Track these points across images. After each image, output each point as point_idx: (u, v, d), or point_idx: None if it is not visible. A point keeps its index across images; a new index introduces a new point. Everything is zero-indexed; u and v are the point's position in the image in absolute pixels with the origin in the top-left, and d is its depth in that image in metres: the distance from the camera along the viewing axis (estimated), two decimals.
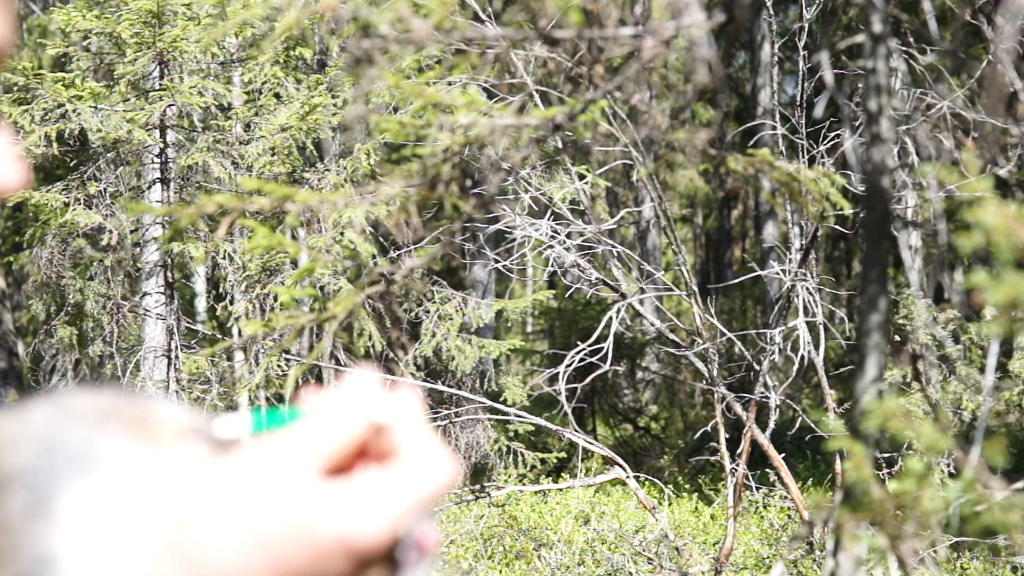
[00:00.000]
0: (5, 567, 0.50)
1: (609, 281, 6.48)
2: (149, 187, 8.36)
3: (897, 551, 1.67)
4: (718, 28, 1.99)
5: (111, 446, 0.54)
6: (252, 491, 0.52)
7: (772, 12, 7.60)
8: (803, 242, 6.47)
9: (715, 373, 6.29)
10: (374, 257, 8.57)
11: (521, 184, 6.50)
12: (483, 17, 5.94)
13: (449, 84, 5.76)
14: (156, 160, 8.31)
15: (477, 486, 7.16)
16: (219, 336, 10.28)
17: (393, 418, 0.56)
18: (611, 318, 6.46)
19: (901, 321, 7.78)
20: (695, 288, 6.34)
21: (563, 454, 10.22)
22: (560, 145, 6.43)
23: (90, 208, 8.05)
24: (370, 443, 0.56)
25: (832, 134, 6.18)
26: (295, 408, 0.57)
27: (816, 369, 6.32)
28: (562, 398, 6.25)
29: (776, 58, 8.54)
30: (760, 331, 6.62)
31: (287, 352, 8.52)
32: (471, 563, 7.48)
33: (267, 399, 9.24)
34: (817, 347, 6.27)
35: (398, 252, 8.04)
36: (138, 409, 0.58)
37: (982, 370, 7.81)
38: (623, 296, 6.43)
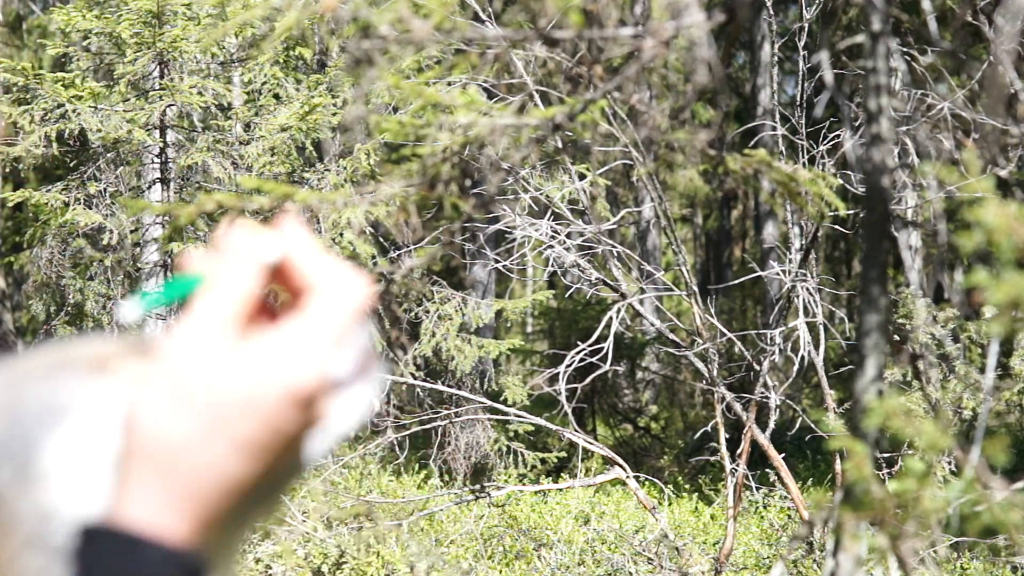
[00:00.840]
0: (11, 536, 0.52)
1: (609, 281, 6.48)
2: (149, 187, 8.36)
3: (897, 551, 1.67)
4: (718, 28, 1.99)
5: (71, 389, 0.56)
6: (186, 372, 0.54)
7: (772, 12, 7.60)
8: (803, 242, 6.47)
9: (715, 373, 6.29)
10: (373, 257, 8.57)
11: (521, 184, 6.49)
12: (483, 17, 5.94)
13: (449, 84, 5.76)
14: (156, 160, 8.31)
15: (477, 486, 7.16)
16: None
17: (285, 253, 0.57)
18: (611, 318, 6.46)
19: (900, 321, 7.78)
20: (695, 288, 6.34)
21: (563, 454, 10.21)
22: (560, 145, 6.43)
23: (90, 208, 8.05)
24: (272, 283, 0.57)
25: (832, 134, 6.18)
26: (186, 277, 0.59)
27: (816, 369, 6.32)
28: (562, 398, 6.25)
29: (776, 58, 8.55)
30: (760, 331, 6.62)
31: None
32: (471, 563, 7.48)
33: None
34: (817, 347, 6.27)
35: (398, 252, 8.04)
36: (81, 349, 0.59)
37: (982, 370, 7.81)
38: (623, 296, 6.43)
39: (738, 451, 6.42)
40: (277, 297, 0.58)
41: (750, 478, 6.99)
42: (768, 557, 7.52)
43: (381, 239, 9.42)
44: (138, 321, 0.57)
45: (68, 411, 0.55)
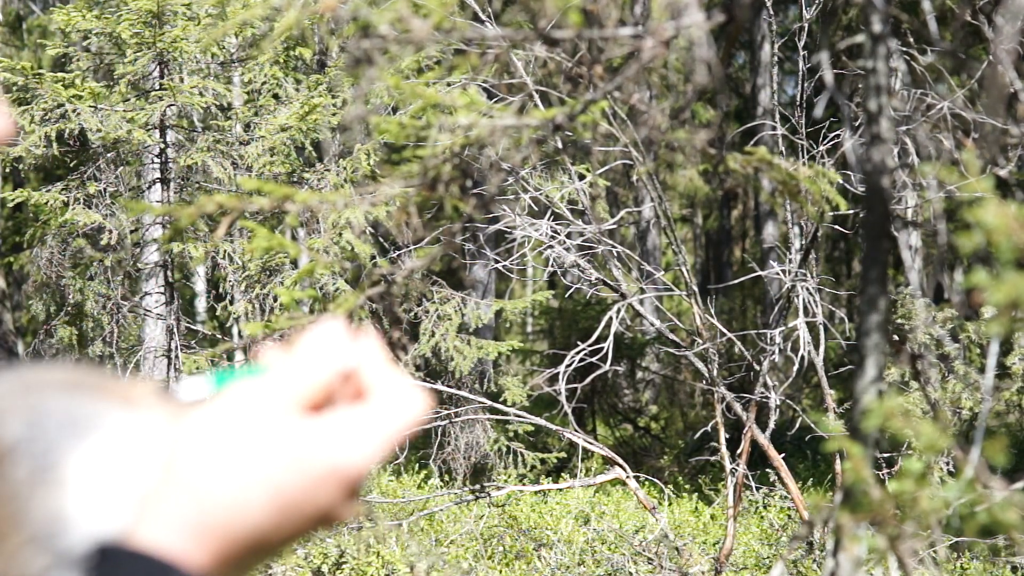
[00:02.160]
0: (15, 532, 0.54)
1: (609, 281, 6.48)
2: (149, 187, 8.36)
3: (896, 551, 1.67)
4: (718, 28, 1.99)
5: (97, 409, 0.58)
6: (246, 429, 0.58)
7: (772, 12, 7.61)
8: (803, 242, 6.47)
9: (715, 373, 6.29)
10: (373, 258, 8.57)
11: (521, 184, 6.49)
12: (483, 17, 5.94)
13: (449, 85, 5.76)
14: (156, 160, 8.31)
15: (477, 486, 7.16)
16: (219, 336, 10.27)
17: (360, 361, 0.62)
18: (611, 318, 6.46)
19: (899, 320, 7.78)
20: (695, 288, 6.34)
21: (563, 454, 10.21)
22: (560, 145, 6.43)
23: (90, 208, 8.05)
24: (339, 387, 0.62)
25: (832, 134, 6.18)
26: (253, 366, 0.62)
27: (816, 369, 6.32)
28: (562, 398, 6.25)
29: (776, 58, 8.54)
30: (760, 331, 6.62)
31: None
32: (471, 563, 7.48)
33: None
34: (817, 347, 6.27)
35: (398, 253, 8.04)
36: (96, 379, 0.61)
37: (981, 370, 7.81)
38: (623, 296, 6.43)
39: (738, 451, 6.42)
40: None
41: (750, 478, 6.99)
42: (768, 557, 7.53)
43: (381, 239, 9.42)
44: (199, 399, 0.60)
45: (94, 428, 0.57)
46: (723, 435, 6.36)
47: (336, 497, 0.59)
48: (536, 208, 6.66)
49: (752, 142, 6.82)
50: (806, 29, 6.27)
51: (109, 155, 8.20)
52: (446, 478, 9.53)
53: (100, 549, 0.55)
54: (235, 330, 10.32)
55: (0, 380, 0.59)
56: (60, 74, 7.92)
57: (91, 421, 0.57)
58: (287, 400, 0.59)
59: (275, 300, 8.15)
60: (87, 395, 0.59)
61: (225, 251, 8.21)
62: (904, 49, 6.06)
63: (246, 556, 0.58)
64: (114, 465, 0.57)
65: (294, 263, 8.36)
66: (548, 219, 6.47)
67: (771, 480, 7.45)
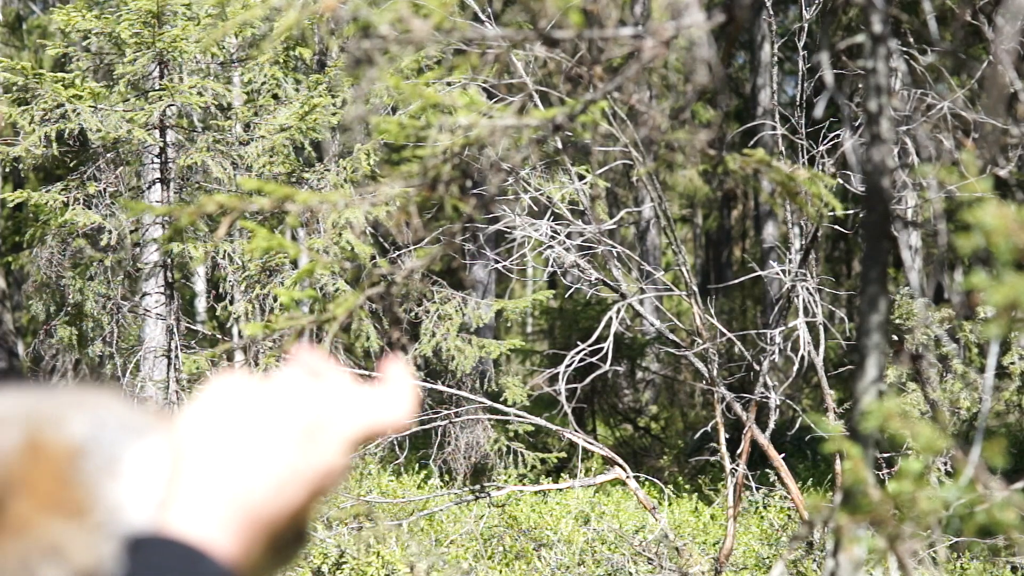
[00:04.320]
0: (89, 515, 0.62)
1: (609, 281, 6.48)
2: (149, 187, 8.36)
3: (896, 552, 1.67)
4: (718, 28, 1.99)
5: (146, 420, 0.66)
6: (262, 424, 0.65)
7: (772, 12, 7.60)
8: (803, 242, 6.47)
9: (715, 373, 6.29)
10: (373, 258, 8.57)
11: (521, 184, 6.49)
12: (483, 18, 5.94)
13: (449, 85, 5.76)
14: (156, 160, 8.31)
15: (477, 486, 7.16)
16: (219, 336, 10.27)
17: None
18: (611, 318, 6.46)
19: (898, 321, 7.78)
20: (695, 288, 6.34)
21: (563, 454, 10.21)
22: (560, 145, 6.43)
23: (90, 208, 8.05)
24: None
25: (832, 134, 6.18)
26: None
27: (816, 369, 6.32)
28: (562, 398, 6.25)
29: (776, 58, 8.55)
30: (760, 331, 6.61)
31: (287, 353, 8.50)
32: (471, 563, 7.48)
33: None
34: (817, 347, 6.27)
35: (398, 253, 8.04)
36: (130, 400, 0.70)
37: (980, 369, 7.81)
38: (623, 296, 6.43)
39: (738, 451, 6.42)
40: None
41: (750, 478, 6.99)
42: (768, 557, 7.53)
43: (381, 239, 9.42)
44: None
45: (148, 432, 0.65)
46: (723, 435, 6.36)
47: (344, 465, 0.66)
48: (536, 208, 6.66)
49: (752, 142, 6.82)
50: (806, 29, 6.27)
51: (109, 155, 8.20)
52: (446, 478, 9.53)
53: (140, 537, 0.61)
54: (235, 330, 10.32)
55: (50, 392, 0.65)
56: (60, 74, 7.92)
57: (144, 426, 0.65)
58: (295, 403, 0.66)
59: (275, 300, 8.15)
60: (131, 408, 0.65)
61: (225, 251, 8.21)
62: (904, 49, 6.06)
63: (270, 544, 0.64)
64: (162, 464, 0.64)
65: (294, 263, 8.36)
66: (548, 219, 6.47)
67: (771, 480, 7.45)
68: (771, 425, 6.45)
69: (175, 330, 8.22)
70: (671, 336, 6.70)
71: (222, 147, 8.04)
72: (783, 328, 6.41)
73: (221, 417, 0.64)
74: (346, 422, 0.66)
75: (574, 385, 6.56)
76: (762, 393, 6.30)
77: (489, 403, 6.93)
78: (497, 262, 7.38)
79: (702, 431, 7.25)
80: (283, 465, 0.63)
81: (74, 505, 0.61)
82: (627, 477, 6.53)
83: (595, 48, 1.92)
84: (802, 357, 6.22)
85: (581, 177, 6.78)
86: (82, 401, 0.64)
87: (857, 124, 5.06)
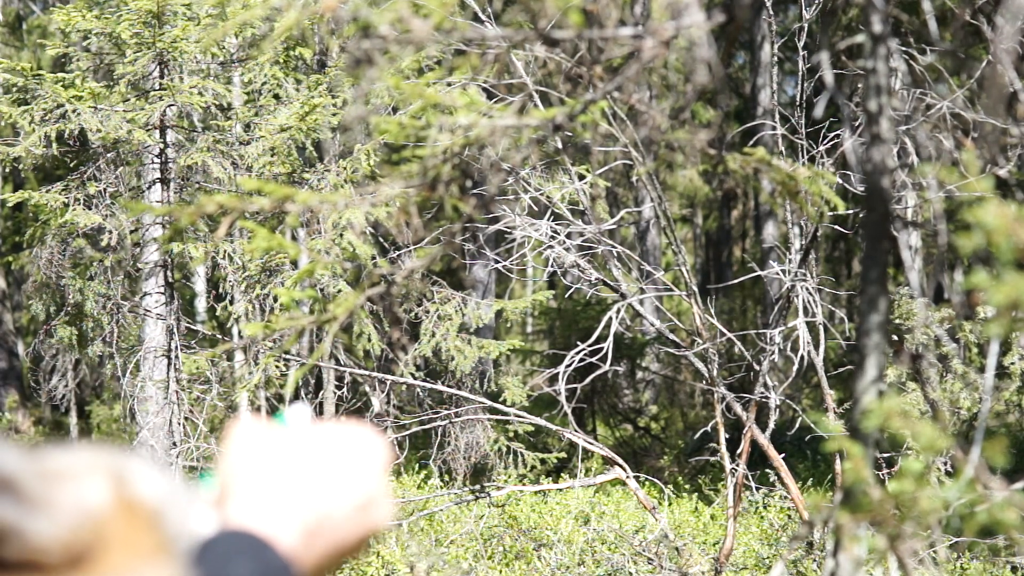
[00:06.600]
0: (182, 539, 0.71)
1: (609, 281, 6.48)
2: (149, 187, 8.36)
3: (896, 551, 1.67)
4: (718, 28, 1.99)
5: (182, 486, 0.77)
6: (341, 458, 0.78)
7: (772, 12, 7.60)
8: (803, 242, 6.47)
9: (715, 373, 6.29)
10: (374, 258, 8.57)
11: (521, 184, 6.50)
12: (483, 17, 5.94)
13: (449, 85, 5.76)
14: (156, 160, 8.31)
15: (477, 486, 7.15)
16: (219, 336, 10.27)
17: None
18: (611, 318, 6.46)
19: (898, 321, 7.78)
20: (695, 288, 6.34)
21: (563, 454, 10.21)
22: (560, 145, 6.43)
23: (90, 208, 8.05)
24: None
25: (832, 134, 6.18)
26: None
27: (816, 369, 6.32)
28: (562, 398, 6.25)
29: (776, 58, 8.55)
30: (760, 331, 6.61)
31: (287, 353, 8.52)
32: (471, 563, 7.48)
33: (267, 399, 9.24)
34: (817, 347, 6.27)
35: (398, 253, 8.04)
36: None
37: (981, 370, 7.81)
38: (623, 296, 6.43)
39: (738, 451, 6.42)
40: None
41: (750, 478, 6.99)
42: (768, 557, 7.53)
43: (381, 239, 9.42)
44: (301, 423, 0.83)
45: (194, 494, 0.78)
46: (723, 435, 6.36)
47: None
48: (536, 208, 6.66)
49: (752, 142, 6.82)
50: (806, 29, 6.27)
51: (109, 155, 8.20)
52: (446, 478, 9.53)
53: (218, 534, 0.73)
54: (235, 330, 10.32)
55: (107, 450, 0.74)
56: (60, 74, 7.92)
57: (187, 490, 0.75)
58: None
59: (275, 300, 8.15)
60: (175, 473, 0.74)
61: (225, 251, 8.21)
62: (904, 49, 6.06)
63: (330, 561, 0.76)
64: (204, 509, 0.77)
65: (294, 263, 8.36)
66: (548, 219, 6.47)
67: (771, 480, 7.45)
68: (771, 425, 6.45)
69: (175, 330, 8.22)
70: (671, 336, 6.70)
71: (222, 147, 8.04)
72: (783, 328, 6.41)
73: (299, 447, 0.77)
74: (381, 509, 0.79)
75: (574, 385, 6.56)
76: (762, 393, 6.30)
77: (489, 403, 6.94)
78: (497, 262, 7.38)
79: (702, 431, 7.25)
80: (357, 498, 0.76)
81: (164, 558, 0.70)
82: (627, 477, 6.53)
83: (595, 48, 1.92)
84: (802, 357, 6.22)
85: (581, 177, 6.78)
86: (135, 461, 0.73)
87: (857, 124, 5.06)
